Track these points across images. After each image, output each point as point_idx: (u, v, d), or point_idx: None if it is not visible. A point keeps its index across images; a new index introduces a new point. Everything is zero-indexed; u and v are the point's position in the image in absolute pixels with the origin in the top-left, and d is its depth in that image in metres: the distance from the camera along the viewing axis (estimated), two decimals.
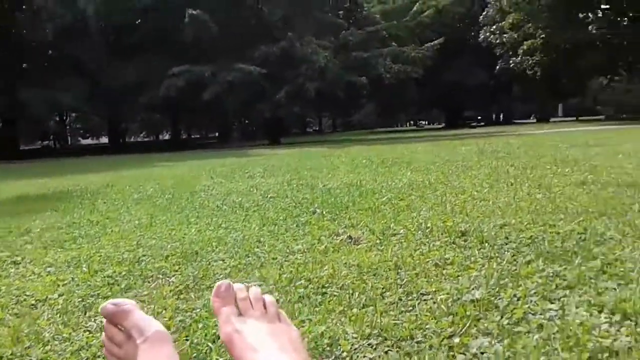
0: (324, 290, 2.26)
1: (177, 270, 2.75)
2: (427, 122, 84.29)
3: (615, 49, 31.85)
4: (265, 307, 1.09)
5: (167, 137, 56.25)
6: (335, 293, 2.21)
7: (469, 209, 3.79)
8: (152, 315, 2.21)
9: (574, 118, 49.04)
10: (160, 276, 2.68)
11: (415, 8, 32.44)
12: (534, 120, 52.55)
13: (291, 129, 51.58)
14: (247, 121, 41.01)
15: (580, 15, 31.71)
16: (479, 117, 58.74)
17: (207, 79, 25.21)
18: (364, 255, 2.72)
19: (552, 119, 54.00)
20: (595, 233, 2.80)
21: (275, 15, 26.67)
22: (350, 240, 3.07)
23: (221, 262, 2.84)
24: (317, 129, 65.59)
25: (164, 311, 2.17)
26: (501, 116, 55.13)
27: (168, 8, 26.98)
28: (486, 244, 2.77)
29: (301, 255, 2.85)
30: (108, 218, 4.80)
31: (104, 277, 2.76)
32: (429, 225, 3.31)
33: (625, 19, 31.33)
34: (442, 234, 3.07)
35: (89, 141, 60.57)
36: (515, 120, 54.78)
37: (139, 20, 28.57)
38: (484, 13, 36.44)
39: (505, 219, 3.35)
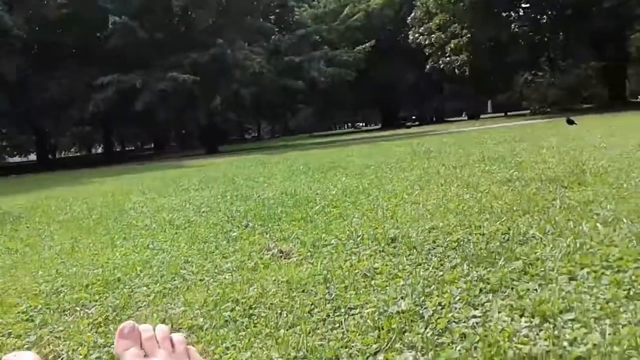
0: (251, 311, 2.19)
1: (97, 301, 2.60)
2: (364, 124, 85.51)
3: (537, 46, 33.48)
4: (173, 346, 1.02)
5: (100, 150, 54.24)
6: (263, 314, 2.15)
7: (399, 214, 3.82)
8: (67, 353, 2.08)
9: (503, 113, 51.14)
10: (79, 308, 2.52)
11: (345, 12, 32.85)
12: (465, 118, 54.41)
13: (229, 136, 50.98)
14: (183, 130, 40.16)
15: (503, 14, 33.09)
16: (413, 117, 60.23)
17: (137, 89, 24.47)
18: (293, 271, 2.67)
19: (482, 116, 56.05)
20: (518, 232, 2.88)
21: (204, 21, 26.26)
22: (281, 255, 3.02)
23: (145, 288, 2.71)
24: (256, 135, 65.18)
25: (79, 347, 2.03)
26: (434, 114, 56.62)
27: (91, 16, 26.00)
28: (414, 250, 2.78)
29: (230, 274, 2.76)
30: (28, 245, 4.52)
31: (18, 312, 2.58)
32: (360, 233, 3.30)
33: (545, 16, 32.97)
34: (372, 241, 3.07)
35: (17, 159, 57.45)
36: (447, 118, 56.52)
37: (60, 30, 27.30)
38: (411, 15, 37.39)
39: (434, 222, 3.39)
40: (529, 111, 32.99)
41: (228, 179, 9.03)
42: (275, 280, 2.56)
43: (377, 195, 4.91)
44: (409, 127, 40.52)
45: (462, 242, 2.83)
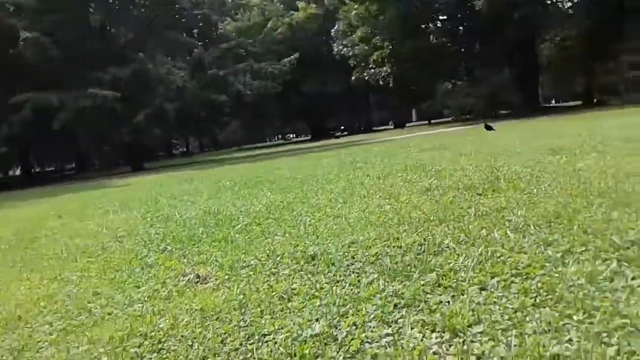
0: (160, 346, 2.07)
1: None
2: (294, 135, 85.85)
3: (456, 56, 34.96)
4: None
5: (18, 172, 51.01)
6: (173, 347, 2.04)
7: (322, 229, 3.79)
8: None
9: (427, 121, 52.93)
10: None
11: (269, 25, 32.92)
12: (392, 127, 55.83)
13: (156, 152, 49.58)
14: (106, 148, 38.59)
15: (422, 27, 34.32)
16: (342, 127, 61.13)
17: (55, 107, 23.27)
18: (209, 297, 2.57)
19: (407, 124, 57.75)
20: (434, 243, 2.92)
21: (124, 36, 25.45)
22: (197, 280, 2.90)
23: (48, 326, 2.52)
24: (184, 150, 63.77)
25: None
26: (362, 124, 57.67)
27: (5, 32, 24.50)
28: (333, 267, 2.75)
29: (141, 305, 2.62)
30: None
31: None
32: (280, 252, 3.24)
33: (461, 28, 34.53)
34: (292, 260, 3.01)
35: None
36: (375, 127, 57.75)
37: None
38: (335, 27, 38.05)
39: (355, 236, 3.39)
40: (450, 119, 34.27)
41: (151, 198, 8.71)
42: (188, 308, 2.44)
43: (301, 210, 4.87)
44: (338, 137, 41.04)
45: (380, 256, 2.83)
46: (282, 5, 39.35)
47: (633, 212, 2.99)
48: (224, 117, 32.13)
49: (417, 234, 3.18)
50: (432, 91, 38.11)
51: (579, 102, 37.04)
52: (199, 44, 27.27)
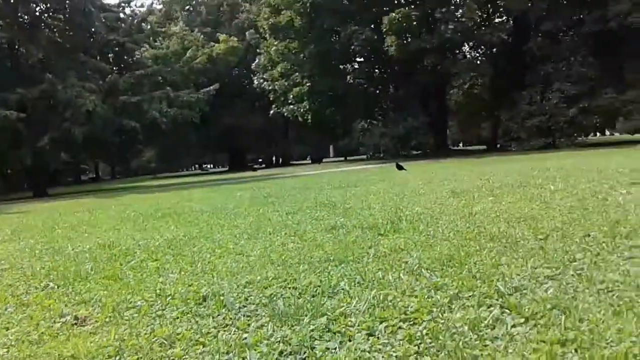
0: None
1: None
2: (212, 166, 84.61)
3: (372, 97, 36.23)
4: None
5: None
6: None
7: (220, 267, 3.66)
8: None
9: (344, 158, 54.10)
10: None
11: (188, 54, 32.58)
12: (309, 161, 56.54)
13: (63, 177, 46.88)
14: (8, 171, 35.95)
15: (341, 67, 35.40)
16: (260, 160, 61.11)
17: None
18: (84, 342, 2.36)
19: (325, 160, 58.73)
20: (330, 285, 2.88)
21: (33, 56, 24.12)
22: (75, 322, 2.67)
23: None
24: (93, 176, 60.78)
25: None
26: (280, 158, 57.93)
27: None
28: (224, 309, 2.64)
29: (6, 350, 2.36)
30: None
31: None
32: (171, 292, 3.07)
33: (377, 70, 35.93)
34: (182, 301, 2.86)
35: None
36: (293, 161, 58.22)
37: None
38: (256, 61, 38.34)
39: (252, 275, 3.29)
40: (366, 157, 35.22)
41: (47, 227, 8.12)
42: (59, 355, 2.23)
43: (203, 246, 4.70)
44: (255, 170, 40.89)
45: (274, 298, 2.75)
46: (202, 36, 39.14)
47: (520, 257, 3.13)
48: (138, 144, 31.06)
49: (315, 275, 3.14)
50: (350, 129, 39.09)
51: (484, 147, 39.51)
52: (114, 69, 26.39)
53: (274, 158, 56.54)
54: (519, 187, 6.96)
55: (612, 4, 24.52)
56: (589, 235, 3.57)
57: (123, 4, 29.31)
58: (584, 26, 26.67)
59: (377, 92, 36.54)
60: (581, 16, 27.43)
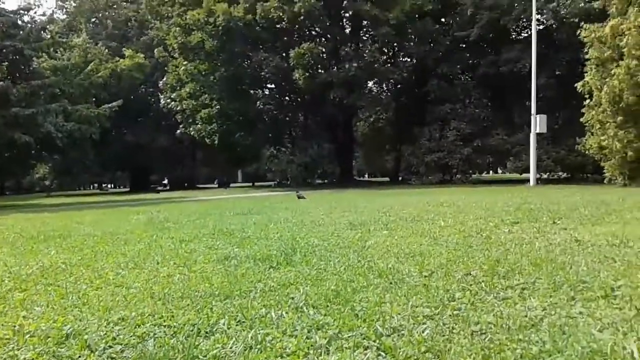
0: None
1: None
2: (112, 186, 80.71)
3: (281, 124, 36.46)
4: None
5: None
6: None
7: (94, 301, 3.38)
8: None
9: (251, 183, 53.74)
10: None
11: (89, 67, 31.10)
12: (217, 185, 55.55)
13: None
14: None
15: (251, 91, 35.37)
16: (164, 182, 59.17)
17: None
18: None
19: (232, 184, 58.06)
20: (208, 323, 2.74)
21: None
22: None
23: None
24: None
25: None
26: (186, 180, 56.44)
27: None
28: (86, 350, 2.41)
29: None
30: None
31: None
32: (31, 329, 2.77)
33: (287, 98, 36.28)
34: (41, 340, 2.58)
35: None
36: (200, 184, 56.90)
37: None
38: (163, 80, 37.35)
39: (128, 310, 3.06)
40: (272, 183, 35.19)
41: None
42: None
43: (81, 275, 4.35)
44: (158, 192, 39.47)
45: (145, 338, 2.56)
46: (107, 50, 37.59)
47: (403, 295, 3.17)
48: (30, 159, 28.91)
49: (196, 312, 2.98)
50: (258, 154, 38.97)
51: (387, 179, 40.95)
52: (8, 78, 24.46)
53: (180, 180, 54.87)
54: (412, 221, 7.19)
55: (504, 51, 26.66)
56: (470, 274, 3.70)
57: (22, 11, 27.53)
58: (478, 70, 28.78)
59: (287, 119, 36.86)
60: (476, 61, 29.61)
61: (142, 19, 45.12)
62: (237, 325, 2.71)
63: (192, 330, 2.64)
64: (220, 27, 29.26)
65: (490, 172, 60.79)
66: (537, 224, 6.13)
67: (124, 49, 40.54)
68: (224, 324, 2.72)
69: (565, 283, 3.31)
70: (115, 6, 49.23)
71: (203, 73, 32.25)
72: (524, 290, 3.22)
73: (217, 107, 32.22)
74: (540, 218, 6.65)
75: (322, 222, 7.97)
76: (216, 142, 33.52)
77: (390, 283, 3.53)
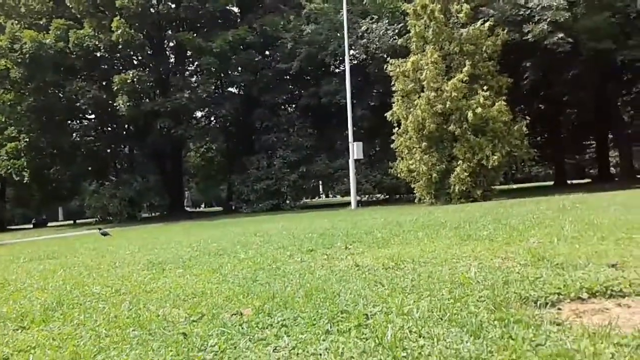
0: None
1: None
2: None
3: (103, 157, 34.08)
4: None
5: None
6: None
7: None
8: None
9: (73, 222, 49.19)
10: None
11: None
12: (32, 226, 49.95)
13: None
14: None
15: (67, 122, 32.59)
16: None
17: None
18: None
19: (51, 223, 52.65)
20: None
21: None
22: None
23: None
24: None
25: None
26: None
27: None
28: None
29: None
30: None
31: None
32: None
33: (109, 128, 34.11)
34: None
35: None
36: (11, 226, 50.54)
37: None
38: None
39: None
40: (94, 220, 32.60)
41: None
42: None
43: None
44: None
45: None
46: None
47: (151, 350, 2.89)
48: None
49: None
50: (78, 189, 35.88)
51: (221, 208, 40.42)
52: None
53: None
54: (214, 256, 6.93)
55: (324, 83, 28.11)
56: (241, 314, 3.54)
57: None
58: (301, 100, 30.00)
59: (109, 150, 34.58)
60: (298, 92, 30.83)
61: None
62: None
63: None
64: (27, 55, 26.62)
65: (323, 196, 63.32)
66: (330, 250, 6.27)
67: None
68: None
69: (327, 315, 3.30)
70: None
71: (9, 104, 29.01)
72: (283, 327, 3.13)
73: (27, 140, 29.11)
74: (335, 243, 6.84)
75: (121, 263, 7.35)
76: (26, 178, 30.18)
77: (149, 334, 3.22)
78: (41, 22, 29.36)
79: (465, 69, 18.63)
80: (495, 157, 18.00)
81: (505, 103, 18.64)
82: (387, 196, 27.96)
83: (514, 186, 39.93)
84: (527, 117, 20.42)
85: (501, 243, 5.70)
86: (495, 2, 21.72)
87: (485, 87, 18.60)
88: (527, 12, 20.65)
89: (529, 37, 20.43)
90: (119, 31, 26.47)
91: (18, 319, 4.03)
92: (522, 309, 3.13)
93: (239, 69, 31.12)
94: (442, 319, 3.02)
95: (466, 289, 3.64)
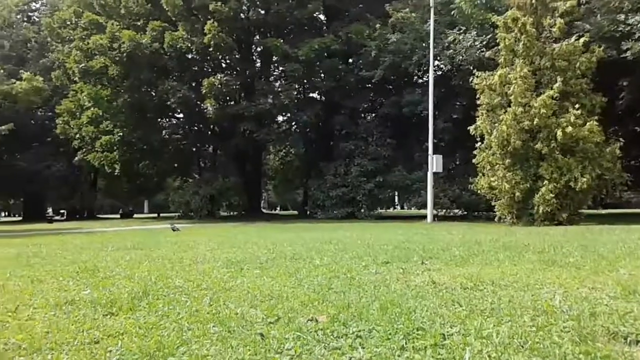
0: None
1: None
2: (7, 214, 75.46)
3: (188, 155, 35.67)
4: None
5: None
6: None
7: None
8: None
9: (157, 214, 51.74)
10: None
11: None
12: (119, 216, 52.98)
13: None
14: None
15: (158, 120, 34.36)
16: (62, 211, 55.62)
17: None
18: None
19: (137, 215, 55.64)
20: None
21: None
22: None
23: None
24: None
25: None
26: (86, 210, 53.34)
27: None
28: None
29: None
30: None
31: None
32: None
33: (195, 128, 35.62)
34: None
35: None
36: (102, 214, 54.03)
37: None
38: (62, 104, 35.48)
39: None
40: (177, 214, 34.09)
41: None
42: None
43: None
44: (51, 222, 36.96)
45: None
46: (2, 71, 35.33)
47: (230, 347, 2.97)
48: None
49: None
50: (163, 184, 37.73)
51: (296, 212, 41.01)
52: None
53: (77, 210, 51.69)
54: (290, 260, 7.05)
55: (406, 93, 27.85)
56: (316, 320, 3.57)
57: None
58: (381, 109, 29.88)
59: (194, 149, 36.10)
60: (379, 100, 30.73)
61: (43, 40, 42.91)
62: None
63: None
64: (124, 54, 28.38)
65: (398, 207, 62.64)
66: (405, 265, 6.19)
67: (21, 71, 38.27)
68: None
69: (402, 330, 3.26)
70: (14, 26, 46.52)
71: (105, 99, 31.00)
72: (358, 338, 3.13)
73: (120, 134, 31.00)
74: (411, 258, 6.74)
75: (202, 259, 7.64)
76: (117, 170, 32.12)
77: (228, 331, 3.32)
78: (139, 23, 31.03)
79: (557, 85, 17.80)
80: (585, 179, 17.03)
81: (597, 123, 17.61)
82: (465, 212, 27.23)
83: (603, 211, 37.58)
84: (621, 139, 19.15)
85: (588, 272, 5.39)
86: (592, 17, 20.61)
87: (577, 105, 17.66)
88: (626, 29, 19.43)
89: (627, 54, 19.20)
90: (211, 34, 27.59)
91: (107, 304, 4.29)
92: (610, 344, 2.94)
93: (322, 75, 31.53)
94: (523, 347, 2.90)
95: (550, 318, 3.47)
